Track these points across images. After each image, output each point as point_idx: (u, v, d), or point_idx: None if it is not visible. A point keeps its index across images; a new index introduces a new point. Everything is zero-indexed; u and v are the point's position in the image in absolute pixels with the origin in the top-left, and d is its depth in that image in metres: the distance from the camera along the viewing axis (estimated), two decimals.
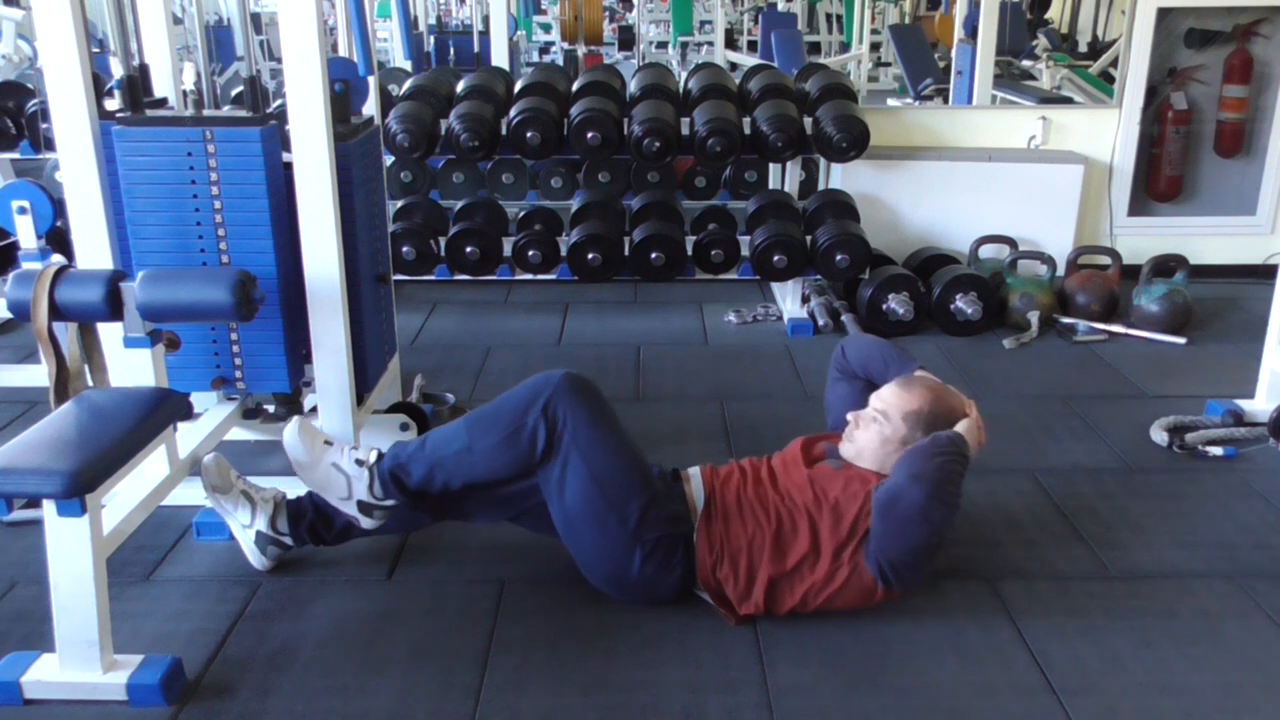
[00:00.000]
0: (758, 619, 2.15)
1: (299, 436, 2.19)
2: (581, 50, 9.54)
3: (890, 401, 2.21)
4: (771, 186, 4.57)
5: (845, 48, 10.23)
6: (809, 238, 3.93)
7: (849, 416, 2.26)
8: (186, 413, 2.21)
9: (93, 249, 2.48)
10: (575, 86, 4.20)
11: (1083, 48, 7.96)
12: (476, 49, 6.66)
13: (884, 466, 2.17)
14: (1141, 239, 4.54)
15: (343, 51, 4.41)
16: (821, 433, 2.42)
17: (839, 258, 3.84)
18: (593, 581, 2.21)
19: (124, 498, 2.12)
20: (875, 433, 2.19)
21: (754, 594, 2.12)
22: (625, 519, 2.09)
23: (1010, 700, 1.94)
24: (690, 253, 3.94)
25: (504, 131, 3.89)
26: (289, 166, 2.42)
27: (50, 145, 3.16)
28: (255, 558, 2.31)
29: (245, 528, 2.29)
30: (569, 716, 1.90)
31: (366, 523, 2.19)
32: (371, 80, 2.93)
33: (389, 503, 2.18)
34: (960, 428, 2.14)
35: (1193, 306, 4.00)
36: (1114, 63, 5.67)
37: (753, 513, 2.15)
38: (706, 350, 3.87)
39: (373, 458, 2.18)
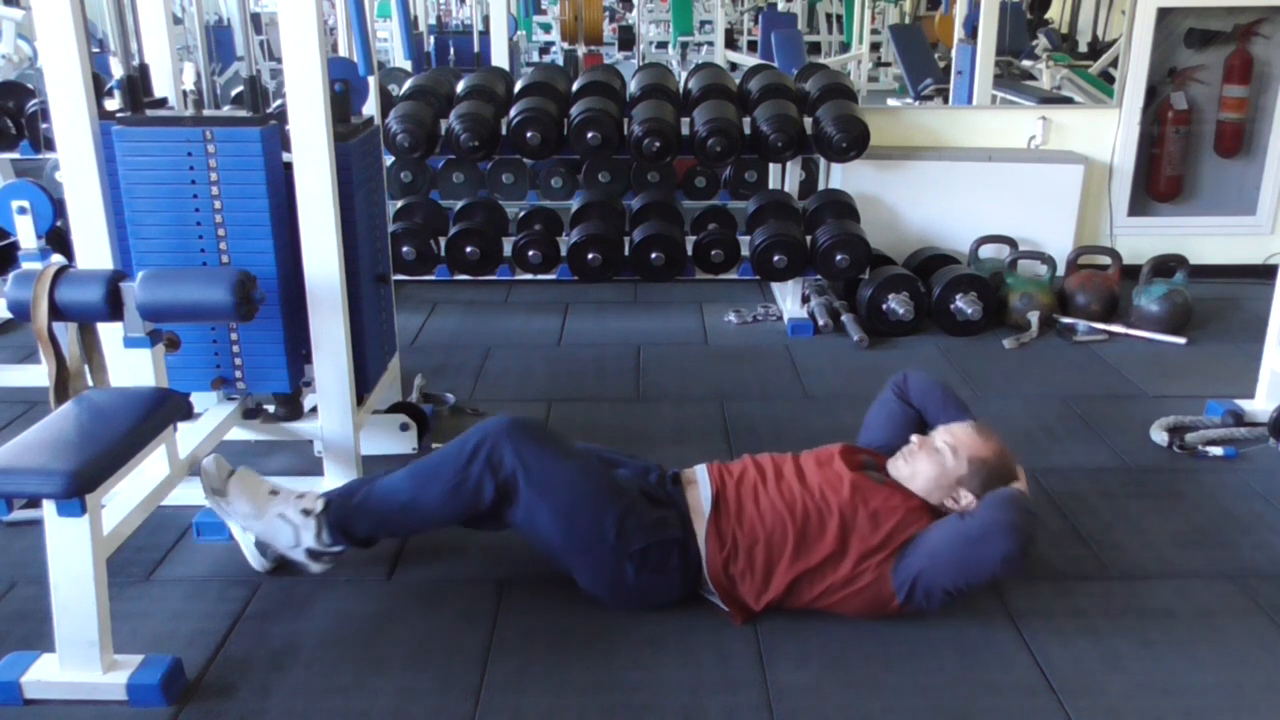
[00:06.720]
0: (758, 619, 2.15)
1: (243, 487, 2.18)
2: (581, 50, 9.54)
3: (963, 440, 2.22)
4: (771, 186, 4.57)
5: (845, 48, 10.23)
6: (809, 238, 3.93)
7: (913, 438, 2.27)
8: (186, 413, 2.21)
9: (93, 249, 2.49)
10: (575, 86, 4.20)
11: (1083, 48, 7.95)
12: (476, 49, 6.67)
13: (930, 496, 2.19)
14: (1141, 239, 4.54)
15: (343, 51, 4.41)
16: (852, 443, 2.40)
17: (839, 258, 3.84)
18: (595, 596, 2.20)
19: (124, 498, 2.12)
20: (936, 464, 2.19)
21: (773, 586, 2.12)
22: (603, 538, 2.09)
23: (1010, 700, 1.94)
24: (690, 253, 3.94)
25: (504, 131, 3.89)
26: (289, 166, 2.42)
27: (50, 145, 3.15)
28: (255, 559, 2.31)
29: (245, 529, 2.29)
30: (569, 716, 1.90)
31: (315, 567, 2.19)
32: (371, 80, 2.93)
33: (336, 549, 2.18)
34: (1016, 487, 2.17)
35: (1193, 306, 4.00)
36: (1114, 63, 5.66)
37: (774, 508, 2.14)
38: (706, 350, 3.87)
39: (319, 507, 2.17)
